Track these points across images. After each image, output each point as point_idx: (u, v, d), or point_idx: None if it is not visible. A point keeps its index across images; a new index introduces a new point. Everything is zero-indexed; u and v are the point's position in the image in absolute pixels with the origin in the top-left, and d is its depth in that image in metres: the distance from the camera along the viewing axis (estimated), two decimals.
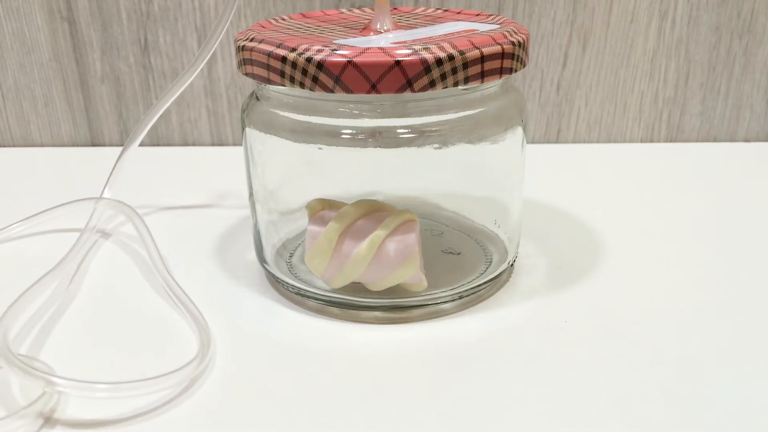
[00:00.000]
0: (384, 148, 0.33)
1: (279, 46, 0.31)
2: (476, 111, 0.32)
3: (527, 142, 0.40)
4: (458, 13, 0.38)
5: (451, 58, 0.29)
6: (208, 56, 0.38)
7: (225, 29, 0.37)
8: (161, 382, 0.28)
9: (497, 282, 0.36)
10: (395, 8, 0.40)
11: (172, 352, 0.31)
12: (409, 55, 0.29)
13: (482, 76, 0.30)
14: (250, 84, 0.56)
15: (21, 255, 0.40)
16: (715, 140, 0.58)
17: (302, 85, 0.30)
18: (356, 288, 0.34)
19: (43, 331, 0.33)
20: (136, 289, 0.37)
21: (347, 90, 0.29)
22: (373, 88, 0.29)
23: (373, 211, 0.34)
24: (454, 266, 0.37)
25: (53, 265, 0.37)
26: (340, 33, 0.34)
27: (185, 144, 0.59)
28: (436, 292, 0.34)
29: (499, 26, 0.34)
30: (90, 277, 0.38)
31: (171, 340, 0.32)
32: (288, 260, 0.37)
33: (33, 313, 0.34)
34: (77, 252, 0.39)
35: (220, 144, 0.59)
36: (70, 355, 0.31)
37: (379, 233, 0.32)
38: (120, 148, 0.43)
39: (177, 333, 0.33)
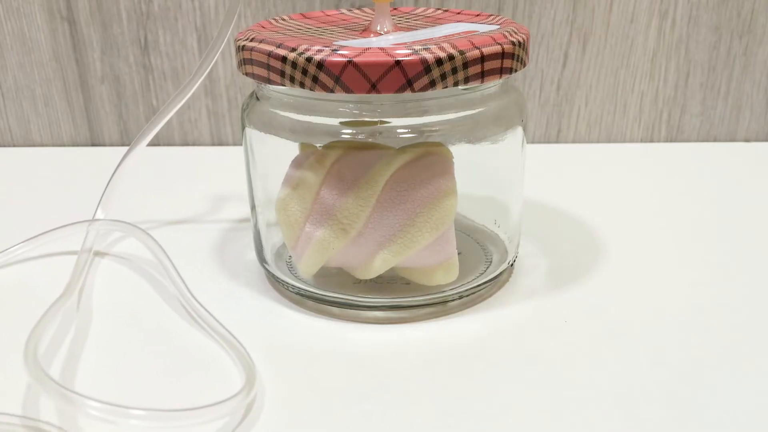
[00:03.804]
0: None
1: (279, 46, 0.31)
2: (476, 111, 0.32)
3: (527, 142, 0.40)
4: (458, 13, 0.38)
5: (451, 58, 0.29)
6: (209, 69, 0.37)
7: (226, 40, 0.36)
8: (211, 413, 0.26)
9: (497, 282, 0.36)
10: (395, 8, 0.40)
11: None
12: (409, 54, 0.29)
13: (482, 76, 0.30)
14: (250, 84, 0.56)
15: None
16: (715, 140, 0.58)
17: (302, 85, 0.30)
18: (356, 287, 0.34)
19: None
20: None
21: (347, 90, 0.29)
22: (373, 87, 0.29)
23: (360, 150, 0.25)
24: None
25: (60, 286, 0.34)
26: (341, 35, 0.34)
27: (185, 144, 0.59)
28: (436, 291, 0.34)
29: (499, 26, 0.34)
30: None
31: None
32: (288, 260, 0.37)
33: (50, 338, 0.32)
34: (83, 272, 0.37)
35: (220, 144, 0.59)
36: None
37: (378, 175, 0.24)
38: (120, 148, 0.43)
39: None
